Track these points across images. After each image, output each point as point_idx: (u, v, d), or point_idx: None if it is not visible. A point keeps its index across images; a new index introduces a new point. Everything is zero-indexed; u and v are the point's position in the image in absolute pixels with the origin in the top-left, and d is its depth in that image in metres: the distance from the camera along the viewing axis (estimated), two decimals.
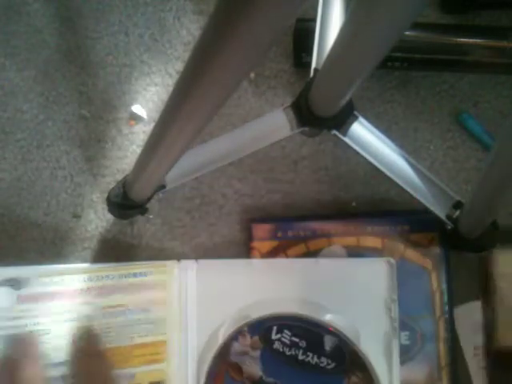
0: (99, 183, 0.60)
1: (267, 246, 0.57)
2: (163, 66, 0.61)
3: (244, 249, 0.58)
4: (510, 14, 0.61)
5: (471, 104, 0.61)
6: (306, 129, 0.50)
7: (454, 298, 0.56)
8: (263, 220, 0.58)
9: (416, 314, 0.55)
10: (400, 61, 0.57)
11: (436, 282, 0.56)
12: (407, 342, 0.55)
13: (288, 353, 0.51)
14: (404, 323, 0.54)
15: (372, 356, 0.50)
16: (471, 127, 0.60)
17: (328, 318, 0.51)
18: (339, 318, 0.51)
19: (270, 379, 0.51)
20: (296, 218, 0.58)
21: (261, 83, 0.61)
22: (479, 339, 0.57)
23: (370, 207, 0.60)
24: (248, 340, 0.51)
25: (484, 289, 0.57)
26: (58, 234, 0.59)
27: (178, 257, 0.53)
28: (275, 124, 0.51)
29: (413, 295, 0.55)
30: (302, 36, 0.57)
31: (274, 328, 0.51)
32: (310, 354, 0.51)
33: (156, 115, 0.61)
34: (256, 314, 0.51)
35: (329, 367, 0.51)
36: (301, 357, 0.51)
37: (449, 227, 0.52)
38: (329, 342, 0.51)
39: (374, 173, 0.58)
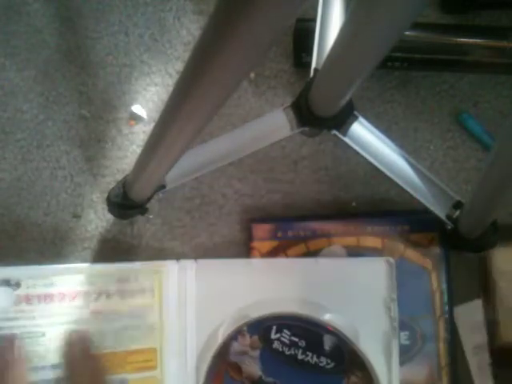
0: (99, 183, 0.60)
1: (267, 245, 0.57)
2: (163, 66, 0.61)
3: (244, 249, 0.58)
4: (510, 14, 0.61)
5: (471, 104, 0.61)
6: (306, 129, 0.50)
7: (454, 298, 0.56)
8: (263, 220, 0.58)
9: (416, 313, 0.55)
10: (400, 61, 0.57)
11: (436, 282, 0.56)
12: (407, 342, 0.55)
13: (287, 352, 0.51)
14: (404, 323, 0.54)
15: (371, 355, 0.50)
16: (471, 127, 0.60)
17: (327, 317, 0.51)
18: (338, 317, 0.51)
19: (270, 379, 0.51)
20: (296, 217, 0.58)
21: (261, 83, 0.61)
22: (479, 338, 0.57)
23: (370, 207, 0.60)
24: (247, 340, 0.51)
25: (484, 287, 0.58)
26: (58, 234, 0.59)
27: (178, 257, 0.53)
28: (275, 124, 0.51)
29: (413, 295, 0.55)
30: (302, 36, 0.57)
31: (274, 327, 0.51)
32: (310, 354, 0.51)
33: (156, 115, 0.61)
34: (255, 313, 0.51)
35: (328, 367, 0.51)
36: (300, 356, 0.51)
37: (449, 227, 0.52)
38: (328, 342, 0.51)
39: (374, 173, 0.58)
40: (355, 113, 0.50)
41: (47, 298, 0.49)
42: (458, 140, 0.61)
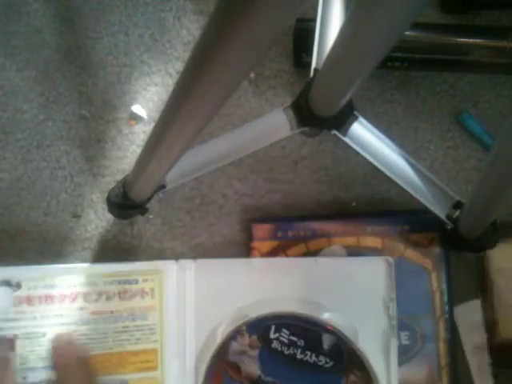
0: (99, 183, 0.60)
1: (267, 245, 0.57)
2: (163, 66, 0.61)
3: (244, 249, 0.58)
4: (510, 14, 0.61)
5: (471, 104, 0.61)
6: (306, 129, 0.50)
7: (454, 298, 0.56)
8: (263, 220, 0.58)
9: (416, 313, 0.55)
10: (400, 61, 0.57)
11: (436, 282, 0.56)
12: (407, 342, 0.55)
13: (286, 352, 0.51)
14: (404, 323, 0.54)
15: (370, 354, 0.50)
16: (471, 127, 0.60)
17: (326, 316, 0.51)
18: (337, 316, 0.51)
19: (269, 378, 0.51)
20: (296, 217, 0.58)
21: (261, 83, 0.61)
22: (479, 338, 0.57)
23: (370, 207, 0.60)
24: (246, 339, 0.51)
25: (482, 285, 0.58)
26: (58, 234, 0.59)
27: (178, 257, 0.53)
28: (275, 124, 0.51)
29: (413, 295, 0.55)
30: (302, 36, 0.57)
31: (272, 327, 0.51)
32: (309, 353, 0.51)
33: (156, 115, 0.61)
34: (254, 313, 0.51)
35: (327, 366, 0.51)
36: (299, 356, 0.51)
37: (449, 227, 0.52)
38: (327, 341, 0.51)
39: (374, 173, 0.58)
40: (355, 113, 0.50)
41: (48, 299, 0.49)
42: (458, 140, 0.61)
